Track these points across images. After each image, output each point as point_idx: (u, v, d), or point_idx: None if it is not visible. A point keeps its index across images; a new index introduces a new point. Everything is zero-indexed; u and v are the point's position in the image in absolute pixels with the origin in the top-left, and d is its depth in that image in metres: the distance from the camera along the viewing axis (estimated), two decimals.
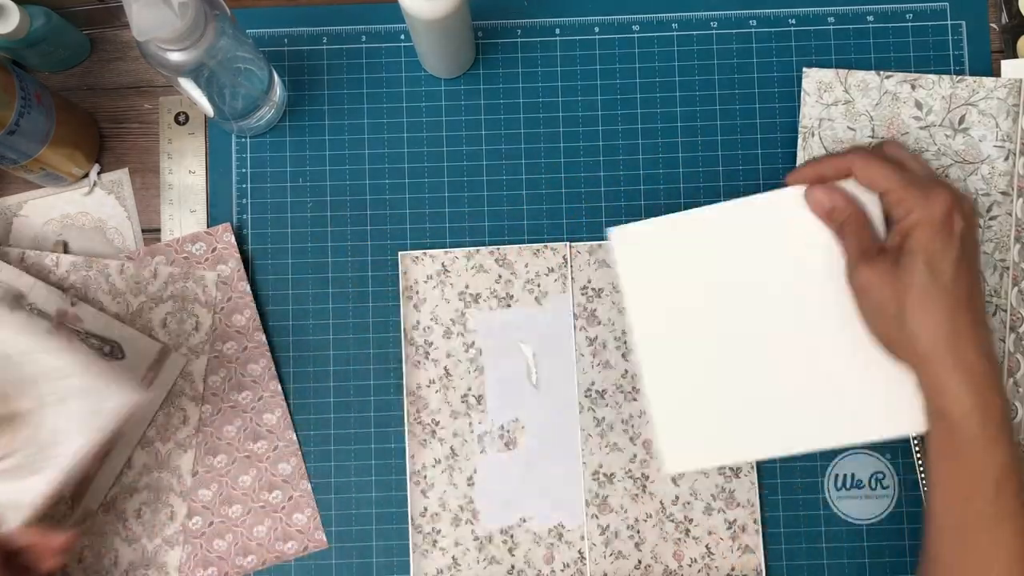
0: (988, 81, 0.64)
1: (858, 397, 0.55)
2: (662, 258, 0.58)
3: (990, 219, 0.63)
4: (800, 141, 0.65)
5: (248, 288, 0.64)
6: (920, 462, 0.62)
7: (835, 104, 0.65)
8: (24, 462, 0.52)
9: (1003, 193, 0.63)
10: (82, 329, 0.62)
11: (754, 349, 0.56)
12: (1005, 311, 0.62)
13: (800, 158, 0.64)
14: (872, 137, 0.64)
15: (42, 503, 0.52)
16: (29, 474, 0.52)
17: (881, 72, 0.65)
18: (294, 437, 0.64)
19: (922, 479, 0.62)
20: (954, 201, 0.51)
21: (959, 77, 0.64)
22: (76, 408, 0.52)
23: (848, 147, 0.55)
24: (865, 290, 0.52)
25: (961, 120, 0.64)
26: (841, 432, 0.55)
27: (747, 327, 0.57)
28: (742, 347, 0.57)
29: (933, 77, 0.64)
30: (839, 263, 0.55)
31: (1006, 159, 0.63)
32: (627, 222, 0.65)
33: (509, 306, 0.65)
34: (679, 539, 0.63)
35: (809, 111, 0.65)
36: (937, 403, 0.50)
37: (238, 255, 0.64)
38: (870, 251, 0.52)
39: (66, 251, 0.65)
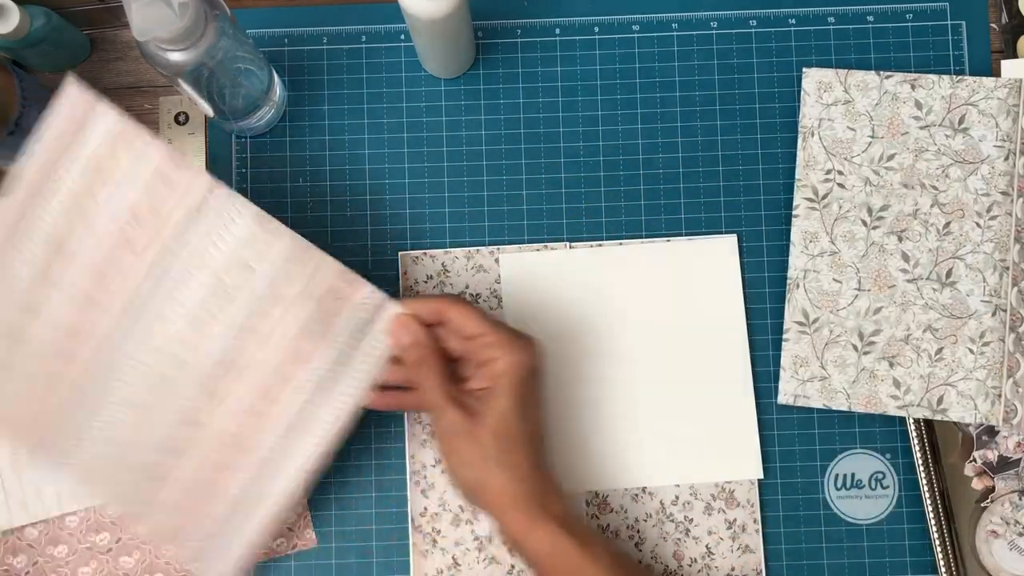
0: (988, 81, 0.64)
1: (703, 443, 0.63)
2: (542, 288, 0.64)
3: (990, 219, 0.63)
4: (800, 141, 0.65)
5: None
6: (920, 462, 0.62)
7: (835, 104, 0.65)
8: None
9: (1003, 193, 0.63)
10: None
11: (612, 388, 0.63)
12: (1005, 311, 0.62)
13: (800, 158, 0.64)
14: (872, 137, 0.64)
15: None
16: None
17: (881, 72, 0.65)
18: None
19: (922, 479, 0.62)
20: (536, 349, 0.54)
21: (959, 77, 0.64)
22: None
23: (438, 295, 0.60)
24: (453, 434, 0.53)
25: (961, 120, 0.64)
26: (682, 472, 0.62)
27: (609, 366, 0.64)
28: (602, 384, 0.63)
29: (933, 77, 0.64)
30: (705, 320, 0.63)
31: (1006, 159, 0.63)
32: (627, 222, 0.66)
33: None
34: (679, 539, 0.63)
35: (809, 111, 0.65)
36: (529, 546, 0.53)
37: None
38: (453, 394, 0.53)
39: None
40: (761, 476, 0.62)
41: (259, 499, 0.55)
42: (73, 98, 0.52)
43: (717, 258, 0.64)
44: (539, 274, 0.64)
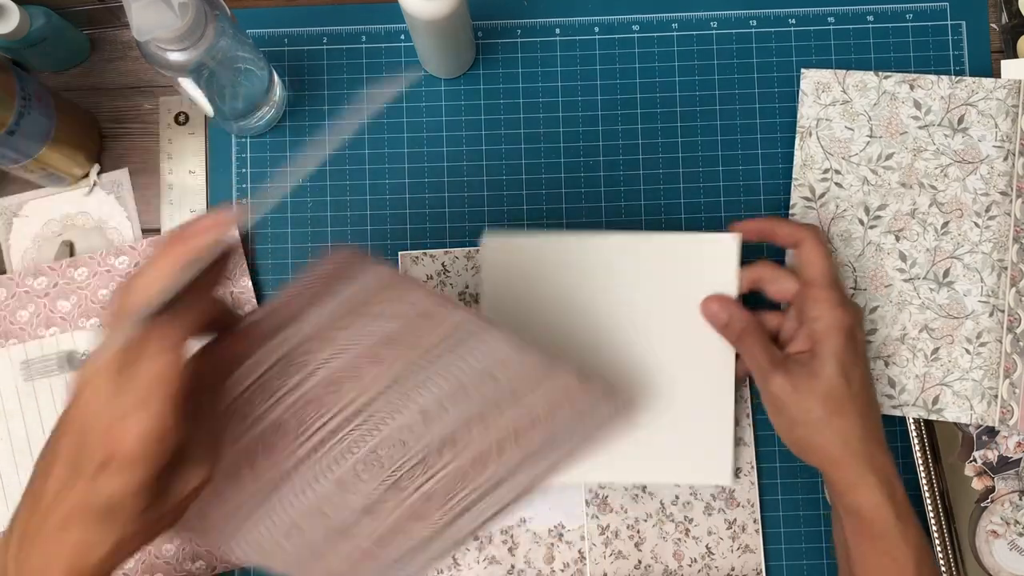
0: (987, 82, 0.64)
1: (680, 444, 0.60)
2: (524, 272, 0.61)
3: (988, 219, 0.63)
4: (798, 141, 0.65)
5: (250, 283, 0.64)
6: (920, 462, 0.62)
7: (833, 104, 0.65)
8: None
9: (1002, 193, 0.63)
10: None
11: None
12: (1003, 312, 0.62)
13: (797, 158, 0.64)
14: (870, 137, 0.64)
15: None
16: None
17: (880, 72, 0.65)
18: None
19: (922, 479, 0.62)
20: (858, 316, 0.55)
21: (958, 78, 0.64)
22: None
23: (805, 224, 0.58)
24: (779, 400, 0.55)
25: (960, 120, 0.64)
26: (657, 471, 0.61)
27: (591, 354, 0.61)
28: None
29: (932, 77, 0.64)
30: (698, 322, 0.59)
31: (1005, 159, 0.63)
32: (627, 222, 0.66)
33: None
34: (679, 539, 0.63)
35: (807, 111, 0.65)
36: (850, 499, 0.54)
37: (241, 250, 0.64)
38: (778, 359, 0.55)
39: (72, 252, 0.65)
40: (730, 484, 0.61)
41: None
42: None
43: (716, 256, 0.61)
44: (522, 261, 0.61)
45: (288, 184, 0.40)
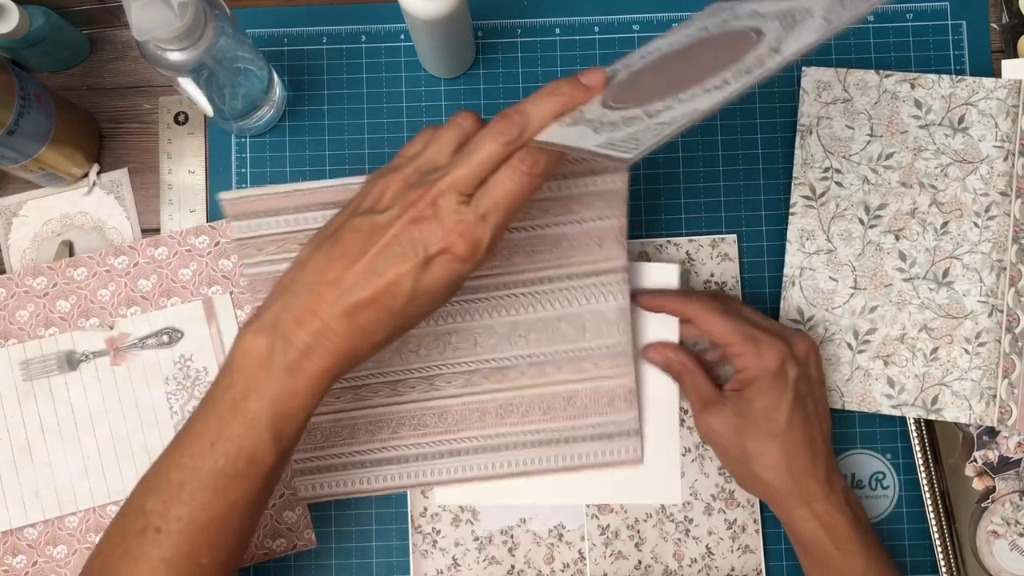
0: (988, 81, 0.64)
1: (634, 469, 0.62)
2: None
3: (988, 219, 0.63)
4: (798, 140, 0.65)
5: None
6: (921, 462, 0.62)
7: (833, 103, 0.65)
8: None
9: (1002, 193, 0.63)
10: None
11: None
12: (1001, 312, 0.62)
13: (798, 156, 0.64)
14: (871, 136, 0.64)
15: None
16: None
17: (880, 71, 0.65)
18: None
19: (923, 479, 0.62)
20: (785, 352, 0.56)
21: (959, 77, 0.64)
22: None
23: (688, 294, 0.60)
24: (710, 435, 0.58)
25: (960, 120, 0.64)
26: (613, 494, 0.62)
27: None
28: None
29: (933, 77, 0.64)
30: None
31: (1005, 159, 0.63)
32: (627, 222, 0.65)
33: None
34: (679, 539, 0.63)
35: (807, 109, 0.65)
36: (788, 527, 0.57)
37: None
38: (710, 398, 0.58)
39: (71, 252, 0.65)
40: (678, 502, 0.62)
41: None
42: None
43: (660, 283, 0.62)
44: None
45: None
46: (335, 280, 0.46)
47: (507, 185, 0.45)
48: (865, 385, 0.63)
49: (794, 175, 0.64)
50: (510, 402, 0.61)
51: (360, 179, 0.58)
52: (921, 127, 0.64)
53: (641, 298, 0.61)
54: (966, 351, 0.62)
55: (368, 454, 0.62)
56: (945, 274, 0.63)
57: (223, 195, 0.61)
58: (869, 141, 0.64)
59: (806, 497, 0.55)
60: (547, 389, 0.61)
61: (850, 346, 0.63)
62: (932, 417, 0.62)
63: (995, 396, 0.62)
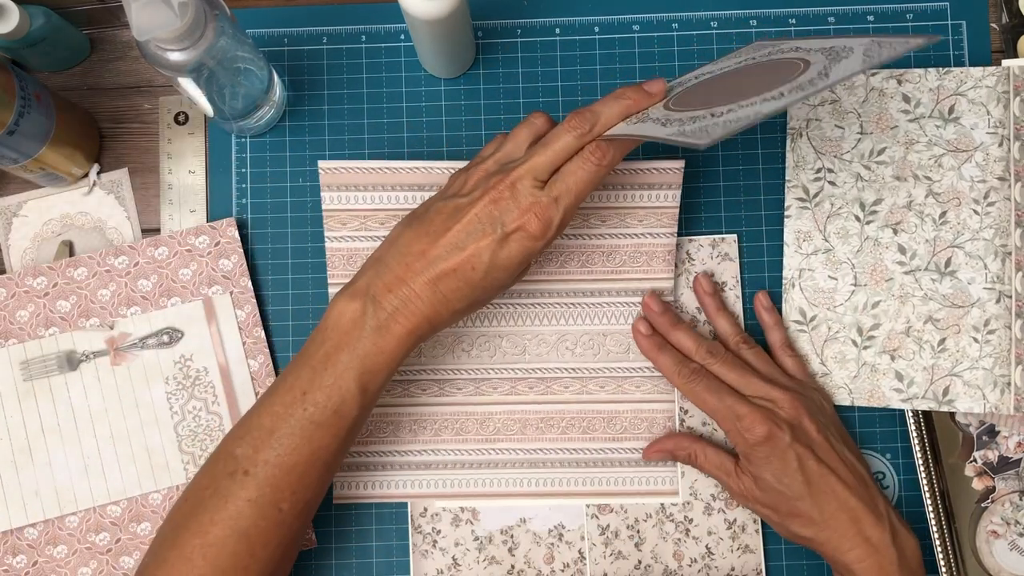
0: (975, 70, 0.64)
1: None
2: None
3: (988, 205, 0.63)
4: (788, 143, 0.65)
5: (249, 283, 0.64)
6: (921, 462, 0.62)
7: (822, 104, 0.65)
8: None
9: (1000, 179, 0.63)
10: None
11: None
12: (1010, 297, 0.62)
13: (789, 159, 0.64)
14: (861, 133, 0.64)
15: None
16: None
17: (865, 70, 0.65)
18: None
19: (922, 479, 0.62)
20: (769, 421, 0.56)
21: (945, 69, 0.64)
22: None
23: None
24: (744, 504, 0.59)
25: (951, 110, 0.64)
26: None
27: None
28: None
29: (919, 71, 0.64)
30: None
31: (1000, 145, 0.63)
32: None
33: None
34: (679, 539, 0.63)
35: (796, 112, 0.65)
36: (840, 560, 0.56)
37: (241, 250, 0.64)
38: (729, 471, 0.59)
39: (71, 252, 0.65)
40: (677, 501, 0.62)
41: None
42: None
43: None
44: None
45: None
46: (422, 252, 0.51)
47: (578, 173, 0.51)
48: (873, 381, 0.62)
49: (787, 178, 0.64)
50: (551, 416, 0.62)
51: (444, 163, 0.62)
52: (911, 120, 0.64)
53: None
54: (975, 340, 0.62)
55: (408, 455, 0.62)
56: (947, 264, 0.63)
57: (323, 164, 0.62)
58: (860, 139, 0.64)
59: (859, 538, 0.55)
60: (589, 407, 0.62)
61: (855, 343, 0.63)
62: (945, 409, 0.62)
63: (1009, 383, 0.61)
